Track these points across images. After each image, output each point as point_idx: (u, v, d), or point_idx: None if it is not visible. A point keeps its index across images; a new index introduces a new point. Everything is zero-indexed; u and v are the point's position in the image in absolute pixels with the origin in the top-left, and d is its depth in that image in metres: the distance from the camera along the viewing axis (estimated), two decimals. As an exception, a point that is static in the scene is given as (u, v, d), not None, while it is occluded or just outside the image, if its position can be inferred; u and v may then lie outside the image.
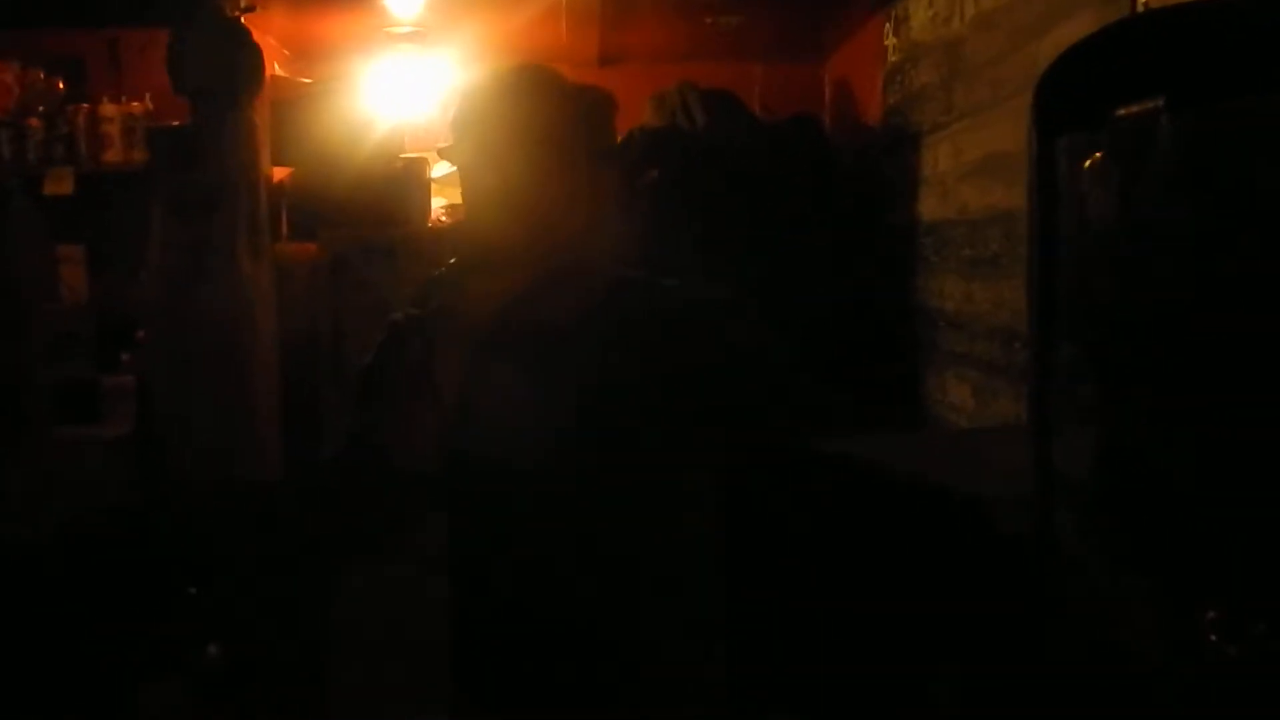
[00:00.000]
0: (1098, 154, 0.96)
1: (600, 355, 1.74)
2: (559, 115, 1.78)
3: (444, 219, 4.24)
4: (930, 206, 3.49)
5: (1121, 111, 0.93)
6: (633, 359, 1.74)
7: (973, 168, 3.08)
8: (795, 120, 4.54)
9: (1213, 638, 0.87)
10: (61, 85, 4.05)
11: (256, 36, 3.72)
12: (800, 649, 1.37)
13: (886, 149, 3.97)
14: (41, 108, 3.98)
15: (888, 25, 3.93)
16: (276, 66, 4.30)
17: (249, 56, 3.67)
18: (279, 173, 4.16)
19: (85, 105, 3.99)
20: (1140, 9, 2.07)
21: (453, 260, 1.74)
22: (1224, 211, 0.84)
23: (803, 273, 3.96)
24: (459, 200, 4.13)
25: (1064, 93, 1.00)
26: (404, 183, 4.15)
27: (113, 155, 3.95)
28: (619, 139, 1.95)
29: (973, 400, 3.09)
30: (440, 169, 4.29)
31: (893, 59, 3.88)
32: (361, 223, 4.00)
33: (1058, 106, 1.01)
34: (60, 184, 3.84)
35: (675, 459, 1.77)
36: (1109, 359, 0.95)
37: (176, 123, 3.80)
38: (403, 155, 4.19)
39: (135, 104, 4.00)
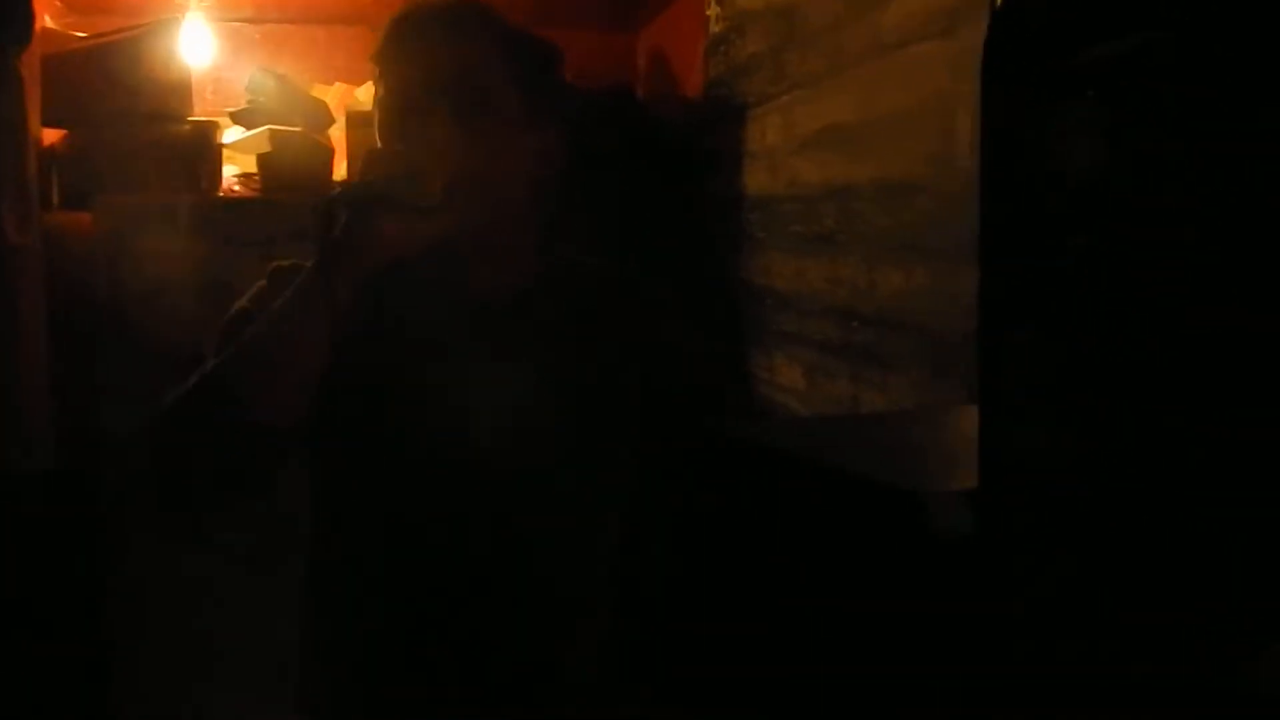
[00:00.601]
0: (1077, 96, 0.81)
1: (533, 335, 1.62)
2: (496, 57, 1.59)
3: (237, 189, 3.94)
4: (758, 181, 3.38)
5: (1104, 47, 0.79)
6: (567, 343, 1.64)
7: (806, 141, 2.98)
8: (612, 91, 4.39)
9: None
10: None
11: (24, -18, 3.34)
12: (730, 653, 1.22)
13: (708, 122, 3.84)
14: None
15: (710, -7, 3.80)
16: (48, 19, 3.91)
17: (13, 4, 3.30)
18: (50, 135, 3.78)
19: None
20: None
21: (364, 180, 1.50)
22: (1246, 163, 0.71)
23: (622, 247, 3.82)
24: (253, 169, 3.90)
25: (1022, 28, 0.86)
26: (191, 148, 3.82)
27: None
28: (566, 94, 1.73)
29: (804, 381, 2.99)
30: (233, 134, 3.99)
31: (715, 29, 3.76)
32: (145, 190, 3.66)
33: (1014, 44, 0.86)
34: None
35: (600, 454, 1.66)
36: (1095, 344, 0.81)
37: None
38: (191, 118, 3.86)
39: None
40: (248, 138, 3.91)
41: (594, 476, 1.65)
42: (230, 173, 3.96)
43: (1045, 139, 0.82)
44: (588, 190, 3.80)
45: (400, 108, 1.56)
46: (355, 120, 3.85)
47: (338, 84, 4.38)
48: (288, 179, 3.73)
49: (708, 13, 3.81)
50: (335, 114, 4.05)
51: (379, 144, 1.60)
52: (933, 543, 0.90)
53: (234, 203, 3.80)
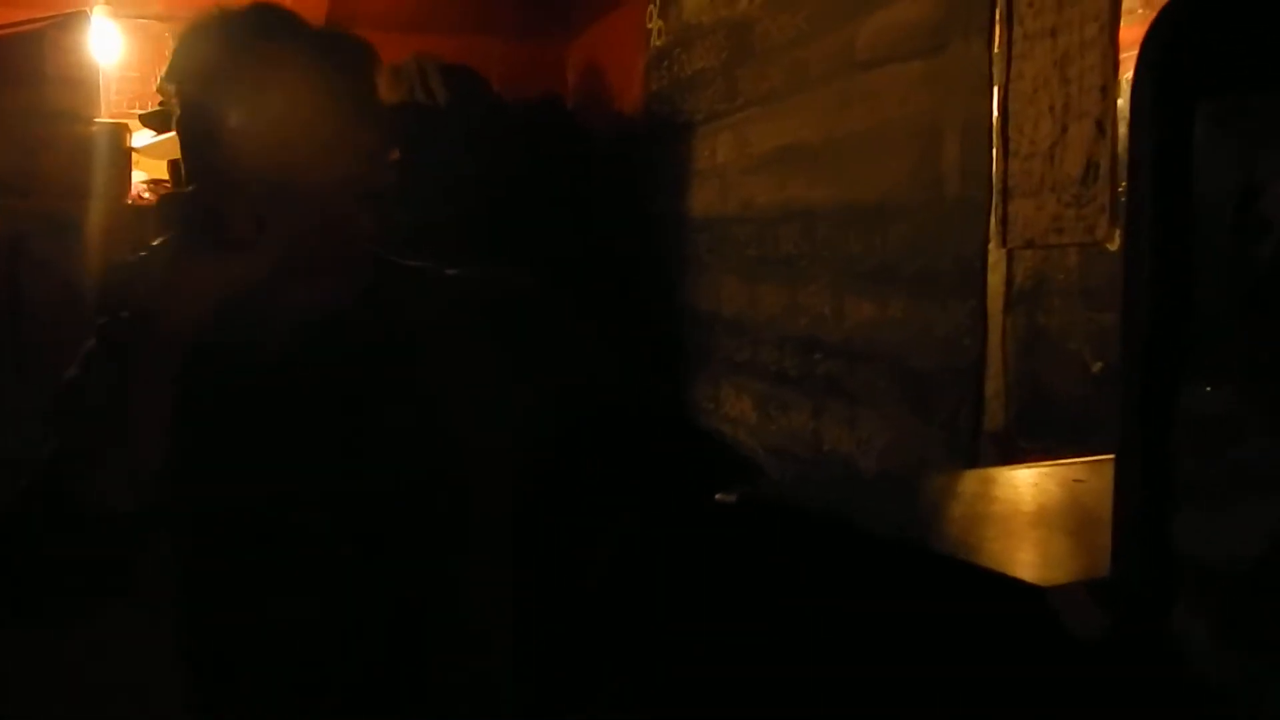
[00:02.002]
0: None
1: (364, 360, 1.43)
2: (305, 57, 1.40)
3: (146, 195, 3.71)
4: (705, 201, 3.25)
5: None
6: (405, 365, 1.45)
7: (763, 160, 2.85)
8: (543, 103, 4.24)
9: None
10: None
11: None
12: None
13: (649, 138, 3.70)
14: None
15: (652, 7, 3.66)
16: (-59, 10, 3.65)
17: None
18: (-59, 132, 3.52)
19: None
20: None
21: (156, 242, 1.30)
22: None
23: (557, 265, 3.67)
24: (164, 175, 3.68)
25: (1205, 43, 0.72)
26: (98, 151, 3.58)
27: None
28: (378, 94, 1.53)
29: (755, 414, 2.86)
30: (143, 137, 3.76)
31: (658, 42, 3.62)
32: (46, 195, 3.42)
33: (1193, 62, 0.72)
34: None
35: (461, 483, 1.47)
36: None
37: None
38: (98, 120, 3.62)
39: None
40: (159, 142, 3.68)
41: (467, 517, 1.48)
42: (139, 179, 3.72)
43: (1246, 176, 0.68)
44: (504, 203, 3.67)
45: (200, 130, 1.37)
46: (275, 126, 3.63)
47: (255, 87, 4.17)
48: (202, 186, 3.51)
49: (649, 26, 3.68)
50: (252, 119, 3.83)
51: (182, 173, 1.42)
52: (1063, 644, 0.76)
53: (144, 209, 3.56)
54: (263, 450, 1.39)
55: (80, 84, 3.60)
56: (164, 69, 1.42)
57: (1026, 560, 0.89)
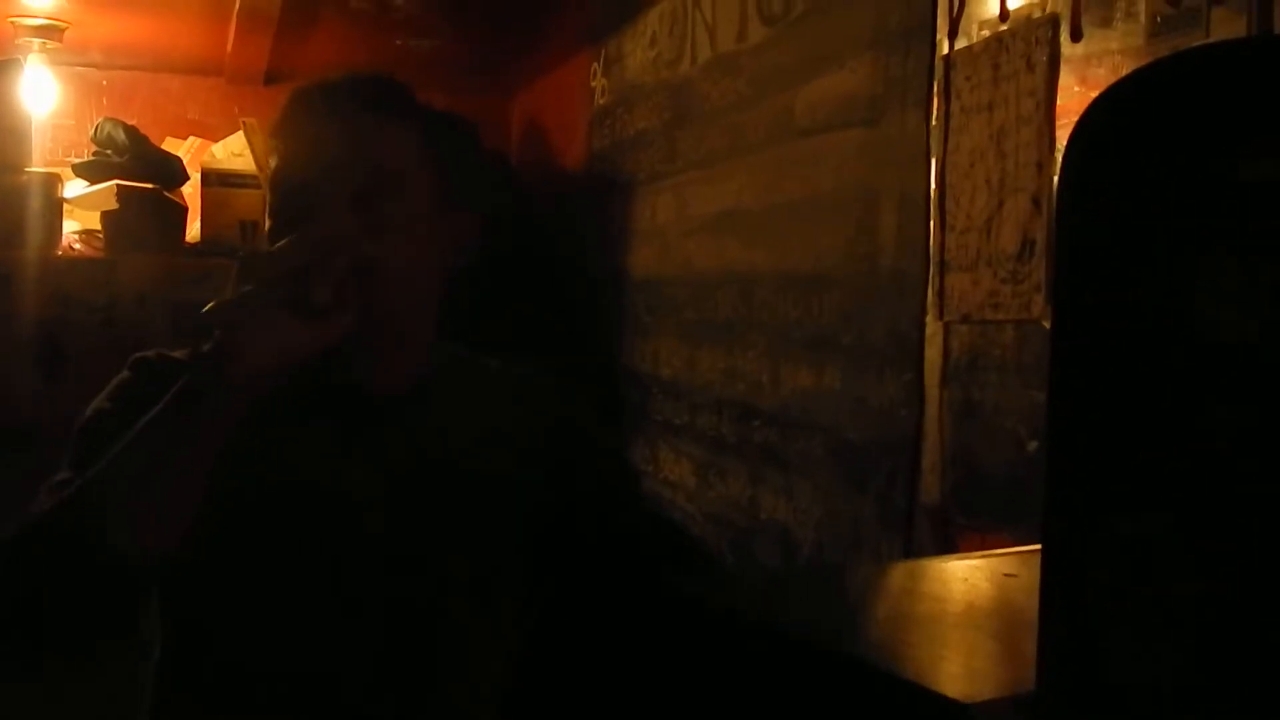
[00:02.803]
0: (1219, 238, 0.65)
1: (435, 438, 1.44)
2: (412, 137, 1.40)
3: (77, 245, 3.62)
4: (644, 261, 3.22)
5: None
6: (469, 433, 1.46)
7: (702, 223, 2.83)
8: (487, 158, 4.21)
9: None
10: None
11: None
12: None
13: (591, 196, 3.68)
14: None
15: (596, 65, 3.65)
16: None
17: None
18: None
19: None
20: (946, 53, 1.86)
21: (244, 290, 1.24)
22: None
23: (494, 322, 3.63)
24: (97, 226, 3.60)
25: (1116, 142, 0.69)
26: (29, 200, 3.50)
27: None
28: (484, 180, 1.55)
29: (694, 479, 2.82)
30: (75, 187, 3.68)
31: (601, 101, 3.60)
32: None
33: (1114, 159, 0.69)
34: None
35: (504, 568, 1.49)
36: (1239, 534, 0.64)
37: None
38: (29, 169, 3.54)
39: None
40: (92, 192, 3.61)
41: (497, 581, 1.48)
42: (70, 229, 3.64)
43: (1177, 291, 0.65)
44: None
45: (294, 190, 1.36)
46: (211, 178, 3.57)
47: (192, 138, 4.11)
48: (135, 238, 3.44)
49: (593, 84, 3.66)
50: (189, 170, 3.77)
51: (266, 225, 1.39)
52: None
53: (75, 263, 3.48)
54: (305, 528, 1.36)
55: (12, 132, 3.52)
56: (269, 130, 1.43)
57: (951, 671, 0.85)
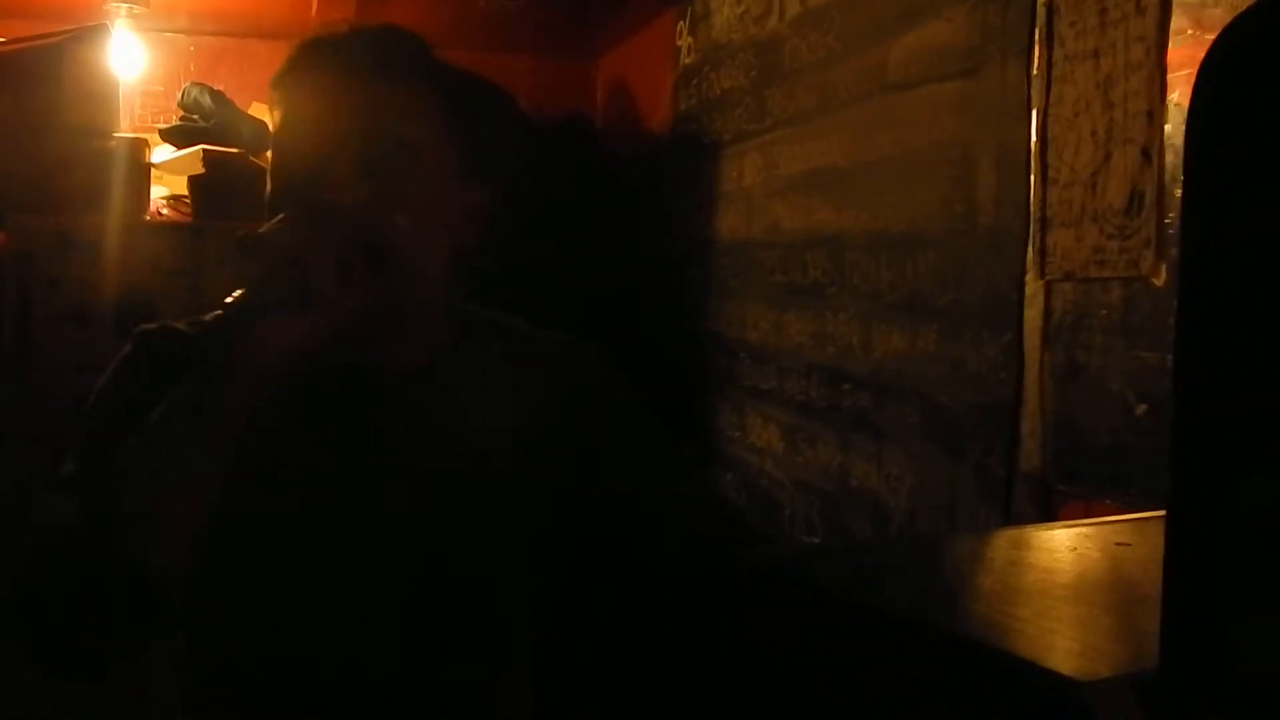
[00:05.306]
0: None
1: (447, 417, 1.34)
2: (424, 102, 1.28)
3: (165, 211, 3.64)
4: (731, 223, 3.15)
5: None
6: (492, 420, 1.35)
7: (790, 183, 2.76)
8: (567, 121, 4.17)
9: None
10: None
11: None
12: None
13: (676, 158, 3.62)
14: None
15: (682, 24, 3.58)
16: (-41, 22, 3.62)
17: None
18: (-41, 146, 3.47)
19: None
20: None
21: (230, 299, 1.17)
22: None
23: (576, 285, 3.60)
24: (184, 191, 3.61)
25: (1269, 69, 0.62)
26: (116, 166, 3.52)
27: None
28: (515, 149, 1.43)
29: (783, 444, 2.76)
30: (163, 152, 3.70)
31: (687, 60, 3.53)
32: (60, 210, 3.35)
33: (1254, 90, 0.62)
34: None
35: (531, 521, 1.39)
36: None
37: None
38: (117, 134, 3.57)
39: None
40: (179, 158, 3.62)
41: (525, 546, 1.40)
42: (158, 194, 3.66)
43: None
44: (530, 225, 3.59)
45: (296, 157, 1.26)
46: (296, 143, 3.57)
47: (278, 103, 4.12)
48: (222, 204, 3.44)
49: (678, 43, 3.59)
50: (275, 135, 3.77)
51: (269, 189, 1.29)
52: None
53: (162, 227, 3.50)
54: (321, 512, 1.30)
55: (99, 98, 3.54)
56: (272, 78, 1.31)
57: (1063, 647, 0.79)
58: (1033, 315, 1.85)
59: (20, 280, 3.16)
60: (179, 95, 3.80)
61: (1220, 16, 1.50)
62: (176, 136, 3.68)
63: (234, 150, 3.58)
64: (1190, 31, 1.55)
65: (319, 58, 1.28)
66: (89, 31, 3.53)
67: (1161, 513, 0.68)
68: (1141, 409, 1.61)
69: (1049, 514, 1.79)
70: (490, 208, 1.36)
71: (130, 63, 3.89)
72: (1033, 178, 1.83)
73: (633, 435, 1.48)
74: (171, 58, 4.17)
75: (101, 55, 3.53)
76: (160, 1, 3.81)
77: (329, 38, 1.30)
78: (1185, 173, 0.68)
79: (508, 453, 1.35)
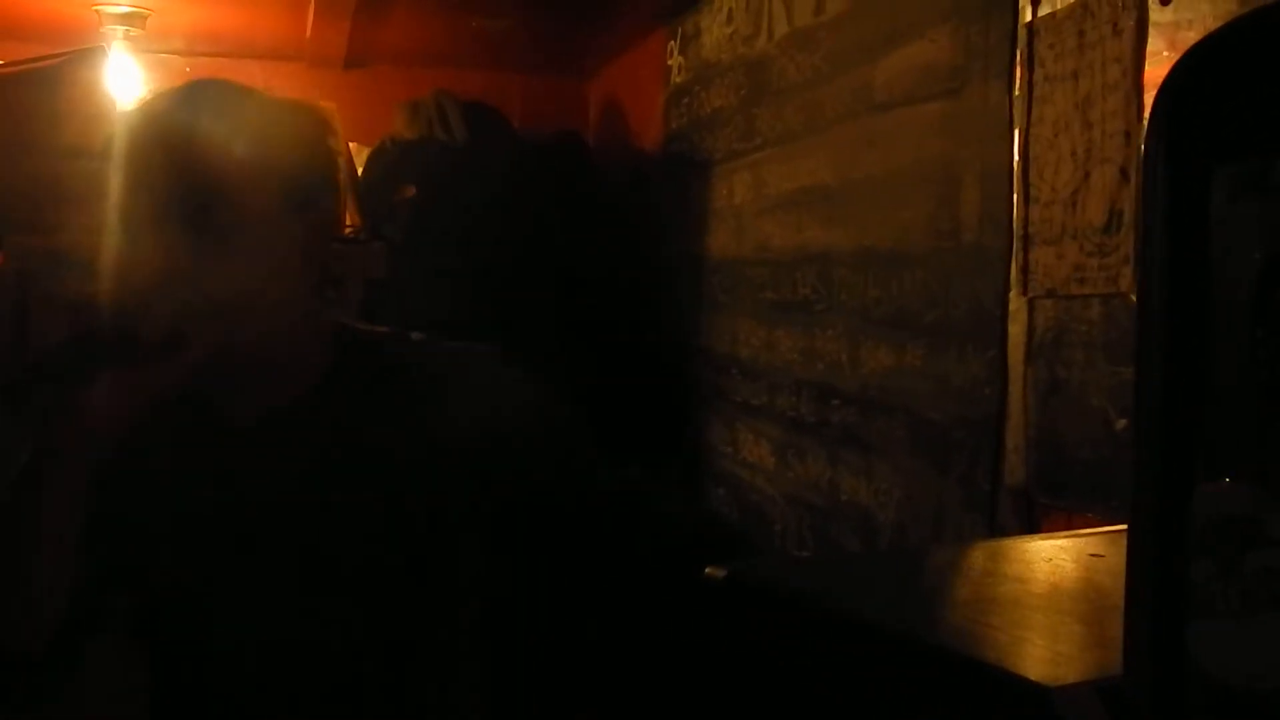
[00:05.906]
0: None
1: (314, 453, 1.31)
2: (238, 150, 1.25)
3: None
4: (721, 241, 3.19)
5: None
6: (368, 450, 1.32)
7: (779, 201, 2.79)
8: (559, 139, 4.20)
9: None
10: None
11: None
12: None
13: (666, 176, 3.65)
14: None
15: (672, 43, 3.61)
16: (-44, 42, 3.64)
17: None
18: (-43, 166, 3.50)
19: None
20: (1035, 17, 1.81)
21: (65, 342, 1.17)
22: None
23: (567, 303, 3.63)
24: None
25: (1224, 100, 0.66)
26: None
27: None
28: (337, 168, 1.39)
29: (774, 460, 2.78)
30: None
31: (678, 79, 3.57)
32: (56, 229, 3.38)
33: (1209, 121, 0.66)
34: None
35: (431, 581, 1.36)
36: None
37: None
38: (113, 154, 3.59)
39: None
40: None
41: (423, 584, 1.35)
42: (154, 214, 3.68)
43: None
44: (521, 243, 3.62)
45: (124, 220, 1.24)
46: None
47: (273, 123, 4.14)
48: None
49: (669, 62, 3.63)
50: (271, 155, 3.80)
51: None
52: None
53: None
54: (202, 559, 1.29)
55: (96, 119, 3.57)
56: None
57: (1034, 654, 0.82)
58: (1016, 331, 1.88)
59: (17, 302, 3.19)
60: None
61: (1194, 39, 1.53)
62: (172, 156, 3.71)
63: (229, 170, 3.61)
64: (1166, 54, 1.58)
65: (137, 121, 1.31)
66: (87, 53, 3.56)
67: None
68: (1121, 424, 1.64)
69: (1032, 526, 1.82)
70: (324, 236, 1.34)
71: (126, 84, 3.91)
72: (1015, 196, 1.86)
73: (539, 439, 1.42)
74: (167, 79, 4.19)
75: (99, 77, 3.57)
76: (157, 23, 3.85)
77: (146, 103, 1.35)
78: (1143, 191, 0.71)
79: (388, 481, 1.31)
